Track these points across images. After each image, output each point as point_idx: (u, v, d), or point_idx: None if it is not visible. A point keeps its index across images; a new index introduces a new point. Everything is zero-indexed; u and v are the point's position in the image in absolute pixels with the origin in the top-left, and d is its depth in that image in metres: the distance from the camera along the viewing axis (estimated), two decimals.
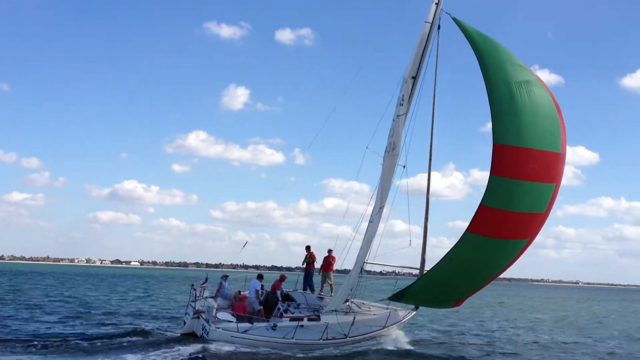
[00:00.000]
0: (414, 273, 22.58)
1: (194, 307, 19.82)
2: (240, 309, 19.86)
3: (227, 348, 17.89)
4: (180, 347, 17.96)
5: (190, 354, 17.22)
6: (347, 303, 21.17)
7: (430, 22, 20.41)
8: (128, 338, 20.06)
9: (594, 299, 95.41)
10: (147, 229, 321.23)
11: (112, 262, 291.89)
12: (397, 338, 21.33)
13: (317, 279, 23.83)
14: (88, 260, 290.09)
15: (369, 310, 21.64)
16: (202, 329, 18.64)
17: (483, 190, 18.09)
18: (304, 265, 23.65)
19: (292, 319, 19.57)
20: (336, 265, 23.43)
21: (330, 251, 23.30)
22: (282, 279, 21.84)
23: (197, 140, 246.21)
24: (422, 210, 21.23)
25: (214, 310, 19.24)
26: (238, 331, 18.48)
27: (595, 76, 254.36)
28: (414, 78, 20.64)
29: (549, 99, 18.64)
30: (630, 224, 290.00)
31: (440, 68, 20.68)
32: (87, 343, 19.19)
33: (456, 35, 19.87)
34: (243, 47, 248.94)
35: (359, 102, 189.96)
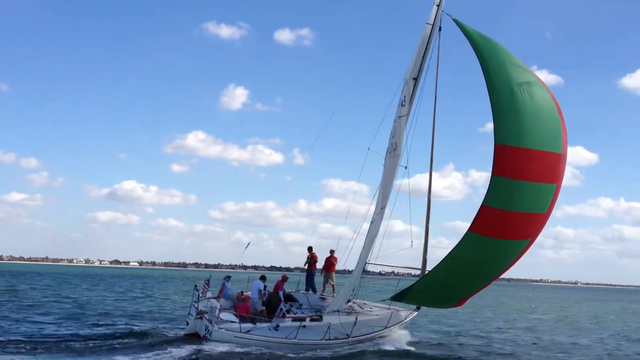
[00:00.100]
0: (413, 273, 22.69)
1: (197, 308, 19.90)
2: (243, 309, 19.93)
3: (230, 348, 17.97)
4: (184, 348, 18.04)
5: (192, 354, 17.32)
6: (349, 303, 21.27)
7: (432, 23, 20.51)
8: (120, 340, 19.87)
9: (593, 299, 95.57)
10: (146, 229, 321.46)
11: (110, 262, 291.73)
12: (399, 338, 21.43)
13: (318, 279, 23.91)
14: (87, 261, 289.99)
15: (371, 311, 21.75)
16: (205, 330, 18.72)
17: (482, 190, 18.23)
18: (306, 266, 23.75)
19: (294, 320, 19.66)
20: (337, 266, 23.53)
21: (332, 252, 23.38)
22: (285, 279, 21.92)
23: (196, 140, 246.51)
24: (420, 211, 21.34)
25: (217, 311, 19.32)
26: (241, 331, 18.57)
27: (595, 76, 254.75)
28: (415, 79, 20.74)
29: (549, 99, 18.75)
30: (629, 224, 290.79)
31: (440, 69, 20.79)
32: (79, 344, 19.06)
33: (456, 36, 19.99)
34: (242, 47, 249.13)
35: (358, 103, 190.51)
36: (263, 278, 21.56)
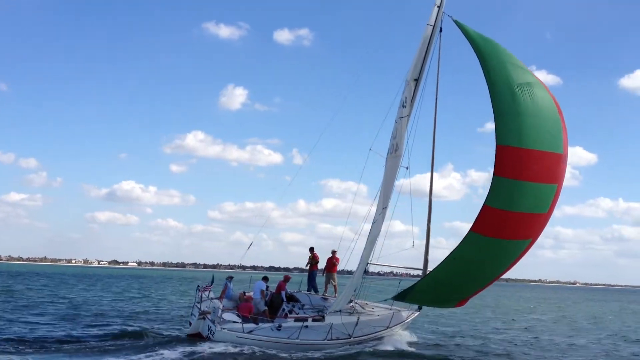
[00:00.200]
0: (412, 274, 22.77)
1: (200, 308, 19.98)
2: (245, 309, 20.03)
3: (233, 348, 18.06)
4: (187, 348, 18.11)
5: (194, 354, 17.38)
6: (351, 304, 21.36)
7: (432, 24, 20.58)
8: (113, 342, 19.78)
9: (592, 299, 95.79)
10: (145, 229, 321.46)
11: (109, 262, 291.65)
12: (400, 339, 21.51)
13: (320, 279, 23.99)
14: (85, 261, 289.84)
15: (373, 311, 21.84)
16: (208, 330, 18.82)
17: (481, 190, 18.46)
18: (308, 267, 23.84)
19: (296, 320, 19.76)
20: (338, 267, 23.62)
21: (334, 252, 23.46)
22: (287, 279, 22.02)
23: (195, 140, 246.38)
24: (419, 211, 21.41)
25: (220, 311, 19.41)
26: (243, 332, 18.66)
27: (594, 77, 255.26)
28: (417, 80, 20.83)
29: (550, 100, 18.86)
30: (628, 224, 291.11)
31: (441, 70, 20.86)
32: (70, 345, 18.99)
33: (456, 37, 20.07)
34: (241, 47, 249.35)
35: (356, 103, 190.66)
36: (265, 279, 21.66)
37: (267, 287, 21.71)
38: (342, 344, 19.68)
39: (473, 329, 30.51)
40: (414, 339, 22.53)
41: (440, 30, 20.66)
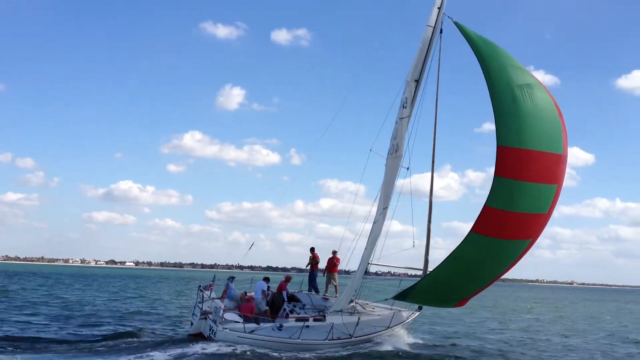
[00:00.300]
0: (410, 274, 22.82)
1: (202, 308, 20.04)
2: (246, 309, 20.10)
3: (234, 348, 18.13)
4: (188, 348, 18.17)
5: (196, 354, 17.45)
6: (352, 304, 21.44)
7: (433, 26, 20.64)
8: (104, 342, 19.69)
9: (589, 299, 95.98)
10: (143, 229, 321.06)
11: (106, 262, 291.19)
12: (400, 338, 21.61)
13: (321, 280, 24.07)
14: (82, 261, 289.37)
15: (373, 311, 21.92)
16: (210, 330, 18.89)
17: (478, 190, 18.61)
18: (308, 267, 23.92)
19: (297, 320, 19.84)
20: (338, 267, 23.70)
21: (334, 252, 23.55)
22: (288, 280, 22.10)
23: (192, 140, 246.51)
24: (418, 211, 21.47)
25: (221, 311, 19.47)
26: (245, 331, 18.73)
27: (591, 77, 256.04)
28: (417, 81, 20.91)
29: (550, 101, 18.97)
30: (625, 224, 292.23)
31: (441, 70, 20.94)
32: (60, 345, 18.91)
33: (455, 37, 20.14)
34: (239, 47, 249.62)
35: (355, 103, 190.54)
36: (267, 279, 21.74)
37: (269, 287, 21.80)
38: (343, 343, 19.77)
39: (471, 329, 30.59)
40: (413, 339, 22.62)
41: (441, 32, 20.73)
